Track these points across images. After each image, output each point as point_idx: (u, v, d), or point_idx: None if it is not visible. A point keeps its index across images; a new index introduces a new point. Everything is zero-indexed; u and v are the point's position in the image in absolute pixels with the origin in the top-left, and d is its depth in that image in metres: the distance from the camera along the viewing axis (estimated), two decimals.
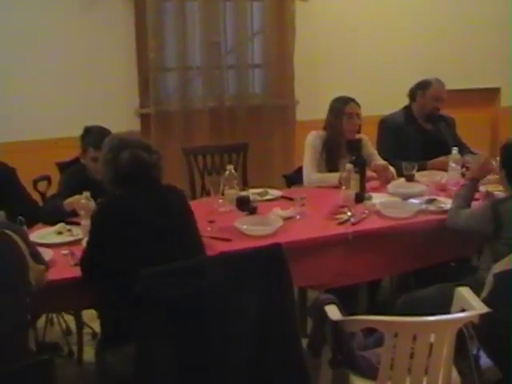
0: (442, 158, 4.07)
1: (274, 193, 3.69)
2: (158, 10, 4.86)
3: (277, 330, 2.41)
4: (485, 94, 6.36)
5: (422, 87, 4.32)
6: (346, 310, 2.50)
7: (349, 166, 3.48)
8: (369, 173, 3.77)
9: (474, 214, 3.08)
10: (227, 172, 3.50)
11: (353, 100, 3.98)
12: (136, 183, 2.61)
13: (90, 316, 3.50)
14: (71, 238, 3.00)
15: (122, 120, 4.70)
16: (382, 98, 4.81)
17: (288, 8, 5.19)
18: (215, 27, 5.08)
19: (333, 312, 2.43)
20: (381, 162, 3.95)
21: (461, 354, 2.59)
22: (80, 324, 3.58)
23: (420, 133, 4.29)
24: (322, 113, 4.09)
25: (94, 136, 3.36)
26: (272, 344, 2.41)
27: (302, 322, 3.33)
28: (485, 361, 2.87)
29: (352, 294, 3.54)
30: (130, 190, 2.62)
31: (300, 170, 3.98)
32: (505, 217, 2.90)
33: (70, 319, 3.77)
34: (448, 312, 2.54)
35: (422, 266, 3.31)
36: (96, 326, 3.42)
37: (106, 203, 2.65)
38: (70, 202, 3.19)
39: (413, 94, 4.36)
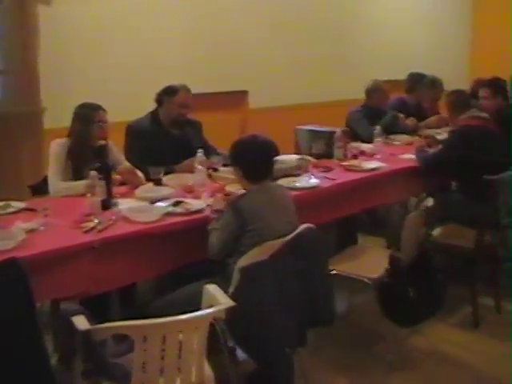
0: (187, 161, 4.17)
1: (17, 205, 3.49)
2: None
3: (20, 348, 2.32)
4: (234, 97, 6.67)
5: (168, 93, 4.37)
6: (97, 318, 2.48)
7: (93, 173, 3.41)
8: (117, 178, 3.77)
9: (221, 228, 3.12)
10: None
11: (100, 106, 3.94)
12: None
13: None
14: None
15: None
16: (130, 104, 4.81)
17: (30, 12, 4.95)
18: None
19: (80, 322, 2.39)
20: (126, 164, 3.96)
21: (216, 350, 2.69)
22: None
23: (167, 137, 4.36)
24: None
25: None
26: (19, 365, 2.31)
27: (55, 336, 3.23)
28: (242, 353, 3.00)
29: (102, 301, 3.50)
30: None
31: (46, 179, 3.84)
32: (247, 211, 3.04)
33: None
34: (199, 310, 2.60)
35: (175, 266, 3.36)
36: None
37: None
38: None
39: (160, 100, 4.42)
